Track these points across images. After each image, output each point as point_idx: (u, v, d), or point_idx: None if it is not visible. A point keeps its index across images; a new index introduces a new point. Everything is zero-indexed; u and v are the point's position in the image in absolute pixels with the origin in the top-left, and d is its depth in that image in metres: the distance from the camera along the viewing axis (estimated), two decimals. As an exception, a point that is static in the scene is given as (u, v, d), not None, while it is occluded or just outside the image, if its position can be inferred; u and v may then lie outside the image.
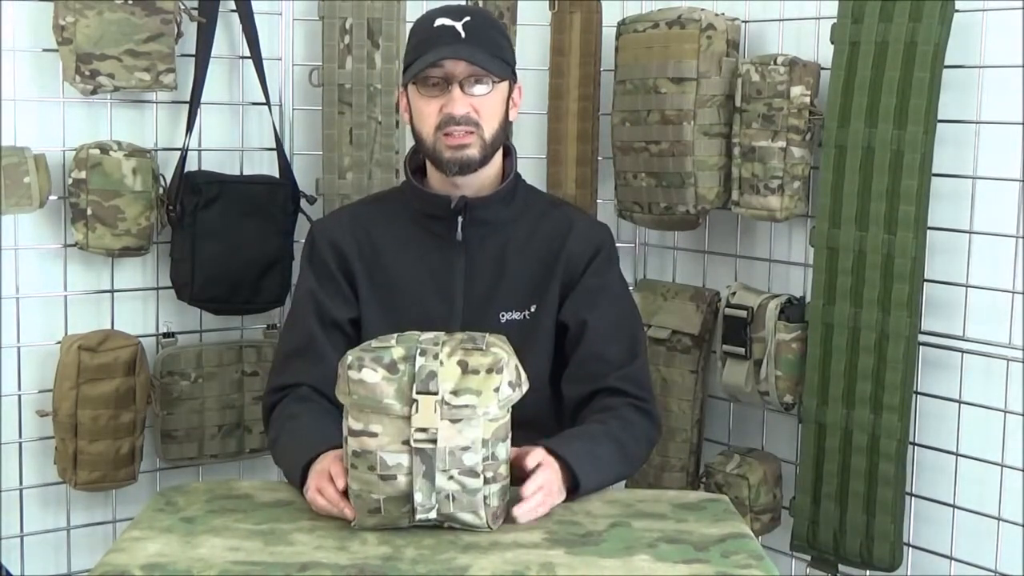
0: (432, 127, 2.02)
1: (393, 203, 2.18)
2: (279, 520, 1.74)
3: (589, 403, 2.04)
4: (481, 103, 2.00)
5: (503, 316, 2.07)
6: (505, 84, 2.05)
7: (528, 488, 1.75)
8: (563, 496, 1.82)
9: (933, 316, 2.31)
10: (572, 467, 1.82)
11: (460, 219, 2.07)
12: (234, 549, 1.64)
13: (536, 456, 1.79)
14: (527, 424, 1.81)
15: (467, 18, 2.01)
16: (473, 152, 2.01)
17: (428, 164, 2.10)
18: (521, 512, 1.73)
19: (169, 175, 2.56)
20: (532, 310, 2.08)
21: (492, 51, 2.02)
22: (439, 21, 2.01)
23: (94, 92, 2.45)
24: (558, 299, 2.09)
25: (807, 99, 2.36)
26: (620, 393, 2.03)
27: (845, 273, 2.30)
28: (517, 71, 2.12)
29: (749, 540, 1.72)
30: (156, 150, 2.58)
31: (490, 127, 2.02)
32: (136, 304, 2.66)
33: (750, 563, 1.63)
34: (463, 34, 1.99)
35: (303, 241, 2.71)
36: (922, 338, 2.29)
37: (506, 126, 2.09)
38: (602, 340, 2.06)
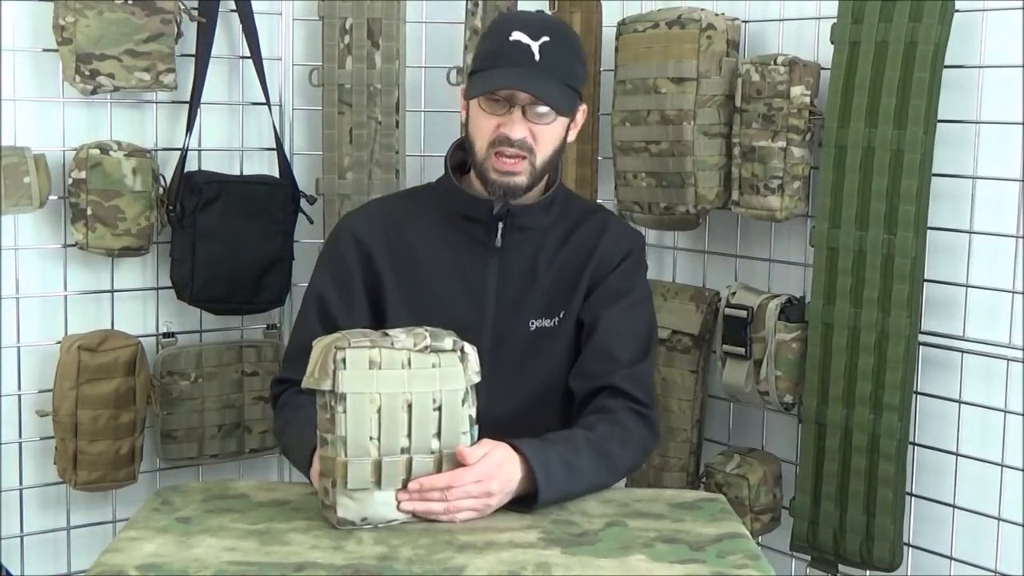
0: (486, 143, 1.97)
1: (427, 200, 2.13)
2: (275, 520, 1.74)
3: (592, 401, 2.01)
4: (540, 129, 1.96)
5: (533, 324, 2.04)
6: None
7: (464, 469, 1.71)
8: (506, 497, 1.77)
9: (933, 316, 2.31)
10: (535, 474, 1.77)
11: (500, 225, 2.03)
12: (230, 549, 1.64)
13: (484, 447, 1.74)
14: (542, 428, 1.81)
15: (545, 38, 1.93)
16: (521, 180, 1.97)
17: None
18: (410, 491, 1.70)
19: (169, 175, 2.56)
20: (561, 316, 2.05)
21: (564, 78, 1.96)
22: (515, 35, 1.94)
23: (94, 92, 2.45)
24: (583, 300, 2.06)
25: (807, 99, 2.35)
26: (622, 394, 1.99)
27: (845, 273, 2.29)
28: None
29: (745, 540, 1.71)
30: (156, 150, 2.59)
31: (543, 153, 1.98)
32: (136, 304, 2.66)
33: (746, 563, 1.62)
34: (537, 56, 1.92)
35: (303, 241, 2.74)
36: (922, 338, 2.29)
37: (561, 149, 2.04)
38: (613, 339, 2.02)
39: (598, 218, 2.13)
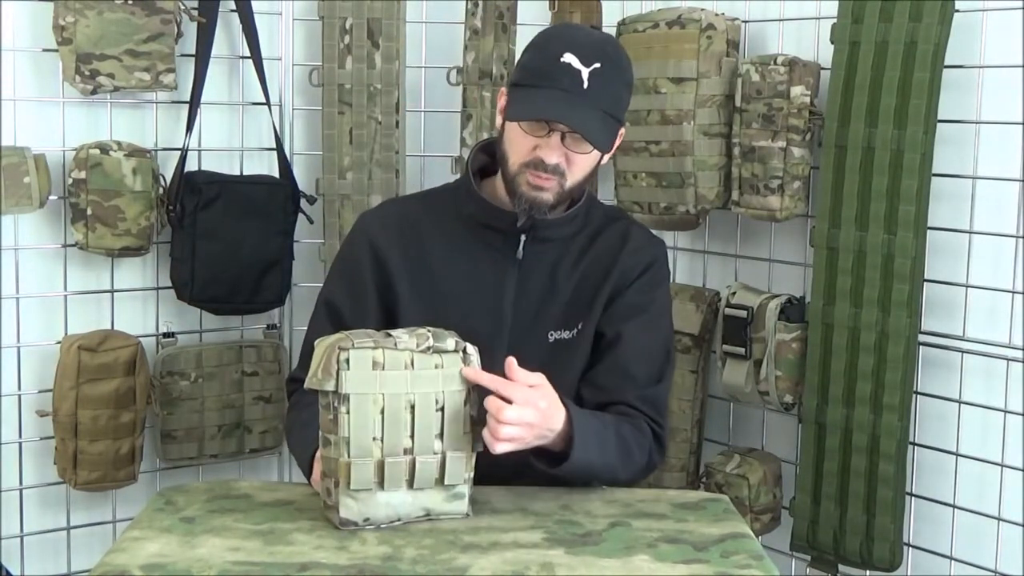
0: (519, 161, 1.92)
1: (446, 204, 2.07)
2: (279, 520, 1.74)
3: (605, 410, 1.97)
4: (575, 156, 1.91)
5: (552, 336, 2.00)
6: None
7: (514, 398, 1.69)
8: (541, 440, 1.76)
9: (933, 316, 2.31)
10: (574, 431, 1.77)
11: (523, 237, 1.99)
12: (234, 549, 1.64)
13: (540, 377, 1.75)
14: None
15: (597, 65, 1.85)
16: (548, 197, 1.92)
17: (500, 174, 2.00)
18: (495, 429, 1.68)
19: (169, 175, 2.56)
20: (579, 327, 2.01)
21: (608, 108, 1.89)
22: (567, 57, 1.85)
23: (94, 92, 2.45)
24: (602, 310, 2.02)
25: (807, 99, 2.35)
26: (638, 412, 1.97)
27: (845, 273, 2.30)
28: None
29: (749, 540, 1.71)
30: (156, 150, 2.59)
31: (575, 178, 1.94)
32: (136, 304, 2.66)
33: (750, 563, 1.63)
34: (586, 84, 1.85)
35: (303, 241, 2.74)
36: (922, 338, 2.29)
37: (594, 174, 2.01)
38: (632, 357, 1.99)
39: (620, 226, 2.08)
